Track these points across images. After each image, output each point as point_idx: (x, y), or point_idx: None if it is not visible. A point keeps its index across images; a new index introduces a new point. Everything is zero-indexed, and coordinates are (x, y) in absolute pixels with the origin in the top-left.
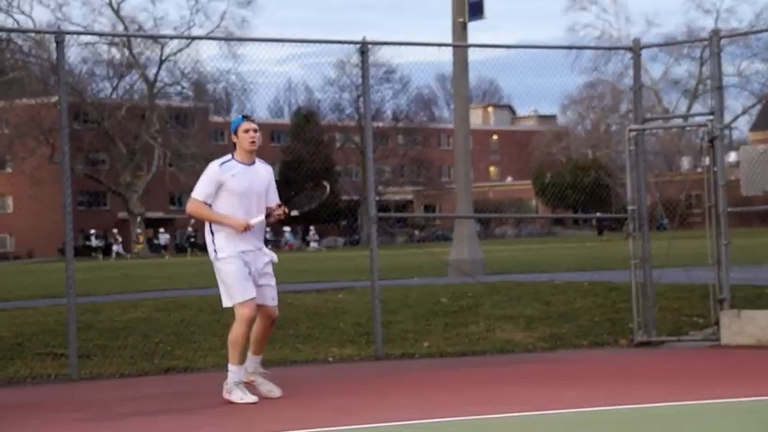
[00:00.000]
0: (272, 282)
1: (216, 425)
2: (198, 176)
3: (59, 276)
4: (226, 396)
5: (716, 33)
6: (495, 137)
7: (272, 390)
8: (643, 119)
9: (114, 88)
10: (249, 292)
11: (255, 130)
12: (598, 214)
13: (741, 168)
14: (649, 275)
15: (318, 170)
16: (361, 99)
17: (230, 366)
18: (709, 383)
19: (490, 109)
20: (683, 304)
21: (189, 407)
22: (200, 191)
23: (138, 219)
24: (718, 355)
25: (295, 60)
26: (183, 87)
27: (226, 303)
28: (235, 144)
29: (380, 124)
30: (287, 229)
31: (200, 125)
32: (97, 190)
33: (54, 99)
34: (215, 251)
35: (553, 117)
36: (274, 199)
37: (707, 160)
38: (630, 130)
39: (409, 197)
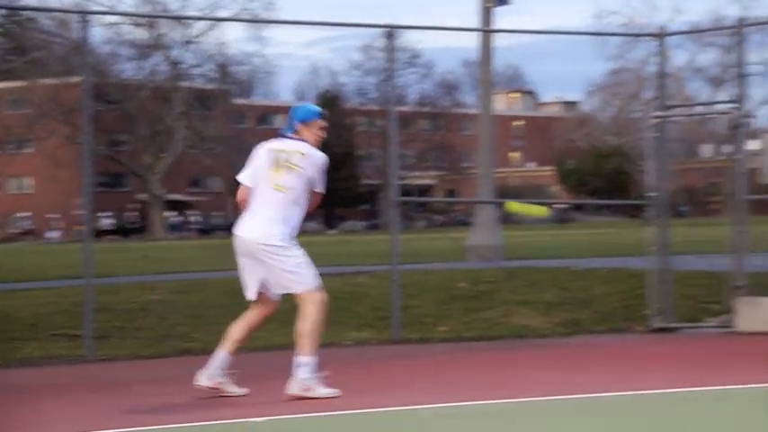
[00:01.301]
0: None
1: (235, 405)
2: (219, 159)
3: (78, 257)
4: (305, 393)
5: (741, 22)
6: (517, 122)
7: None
8: (666, 106)
9: (138, 69)
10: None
11: (325, 129)
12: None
13: (763, 156)
14: (668, 262)
15: (340, 154)
16: (386, 83)
17: (308, 359)
18: (722, 370)
19: (514, 94)
20: (700, 291)
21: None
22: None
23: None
24: (732, 341)
25: (321, 44)
26: (207, 69)
27: (298, 289)
28: (296, 131)
29: (404, 108)
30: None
31: (222, 107)
32: (117, 171)
33: (76, 79)
34: (280, 239)
35: (577, 103)
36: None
37: (729, 148)
38: (653, 117)
39: (431, 182)
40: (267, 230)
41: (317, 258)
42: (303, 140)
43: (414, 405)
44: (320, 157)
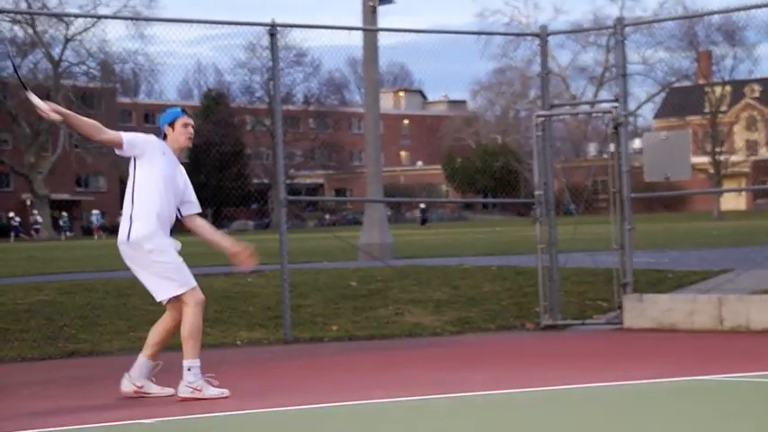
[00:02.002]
0: None
1: (126, 407)
2: (104, 158)
3: None
4: (194, 395)
5: (620, 21)
6: (405, 121)
7: (166, 391)
8: (550, 105)
9: (17, 67)
10: (192, 276)
11: (194, 127)
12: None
13: (644, 155)
14: (555, 260)
15: (228, 153)
16: (272, 82)
17: (192, 362)
18: (610, 366)
19: (401, 93)
20: (588, 288)
21: (93, 390)
22: (128, 133)
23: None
24: (620, 338)
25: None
26: (89, 67)
27: (172, 293)
28: (165, 135)
29: (291, 107)
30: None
31: (106, 106)
32: (0, 171)
33: None
34: (143, 240)
35: (463, 102)
36: (191, 198)
37: (612, 147)
38: (538, 116)
39: (320, 181)
40: (131, 232)
41: (205, 258)
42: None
43: (305, 405)
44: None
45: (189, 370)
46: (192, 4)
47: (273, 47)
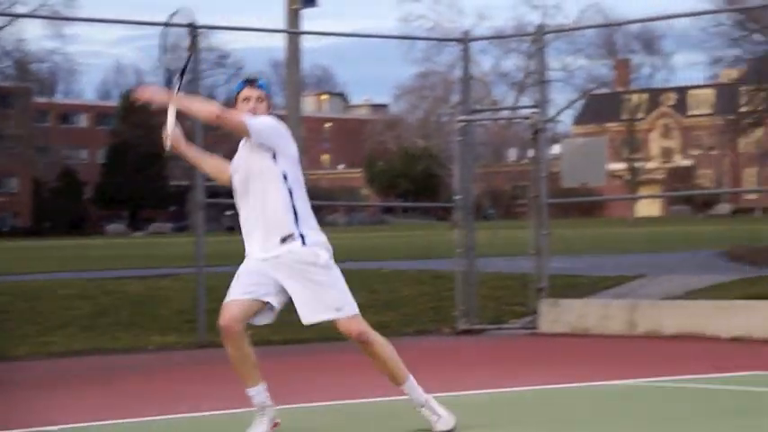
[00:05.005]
0: None
1: (31, 413)
2: (18, 159)
3: None
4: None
5: (540, 29)
6: (327, 124)
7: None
8: (471, 110)
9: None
10: None
11: (259, 99)
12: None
13: (562, 160)
14: (473, 264)
15: (147, 155)
16: (192, 83)
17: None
18: (523, 370)
19: (324, 96)
20: (505, 293)
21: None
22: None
23: None
24: (534, 342)
25: (126, 43)
26: (5, 66)
27: (349, 313)
28: None
29: None
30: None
31: (22, 106)
32: None
33: None
34: (312, 245)
35: (386, 106)
36: None
37: (531, 152)
38: (458, 121)
39: None
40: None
41: (120, 262)
42: None
43: (210, 411)
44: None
45: None
46: (113, 3)
47: (194, 48)
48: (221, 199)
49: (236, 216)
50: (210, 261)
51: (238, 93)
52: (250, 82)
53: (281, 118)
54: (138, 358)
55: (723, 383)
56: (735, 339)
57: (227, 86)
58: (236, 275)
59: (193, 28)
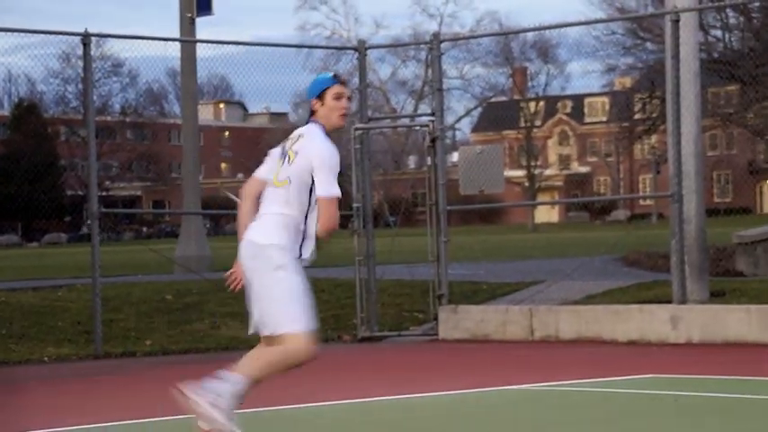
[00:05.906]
0: None
1: None
2: None
3: None
4: None
5: (437, 37)
6: (226, 133)
7: None
8: (369, 118)
9: None
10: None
11: (349, 98)
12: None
13: (460, 168)
14: (373, 272)
15: (40, 164)
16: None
17: None
18: (423, 377)
19: (221, 105)
20: (405, 300)
21: None
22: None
23: None
24: (434, 349)
25: (17, 51)
26: None
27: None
28: (313, 112)
29: (108, 118)
30: None
31: None
32: None
33: None
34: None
35: (285, 114)
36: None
37: (429, 160)
38: (356, 129)
39: (138, 193)
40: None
41: (14, 272)
42: (315, 122)
43: (102, 423)
44: (318, 143)
45: None
46: (3, 10)
47: (86, 57)
48: (117, 209)
49: (132, 226)
50: (106, 271)
51: (327, 88)
52: (341, 79)
53: (179, 127)
54: (32, 370)
55: (619, 387)
56: (631, 343)
57: (122, 95)
58: (304, 294)
59: (85, 36)
